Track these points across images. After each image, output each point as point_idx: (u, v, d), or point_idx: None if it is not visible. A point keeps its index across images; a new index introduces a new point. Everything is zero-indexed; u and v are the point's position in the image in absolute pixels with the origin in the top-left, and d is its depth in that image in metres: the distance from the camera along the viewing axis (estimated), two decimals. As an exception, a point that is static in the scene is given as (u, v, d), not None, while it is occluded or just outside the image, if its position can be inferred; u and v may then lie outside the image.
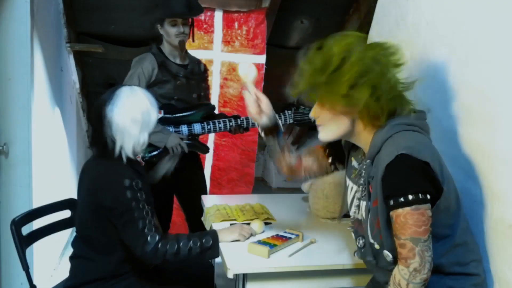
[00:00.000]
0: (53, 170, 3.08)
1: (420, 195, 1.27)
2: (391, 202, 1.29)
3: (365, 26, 3.84)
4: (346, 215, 2.21)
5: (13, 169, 2.36)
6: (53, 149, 3.13)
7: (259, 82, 4.16)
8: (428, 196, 1.28)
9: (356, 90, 1.30)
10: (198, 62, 2.85)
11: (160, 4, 2.64)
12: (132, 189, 1.72)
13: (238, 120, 2.75)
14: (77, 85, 4.12)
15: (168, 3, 2.60)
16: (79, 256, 1.86)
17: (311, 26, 4.12)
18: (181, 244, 1.75)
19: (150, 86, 2.64)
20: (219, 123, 2.74)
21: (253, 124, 2.75)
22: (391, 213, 1.31)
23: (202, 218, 2.36)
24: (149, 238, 1.71)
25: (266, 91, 4.14)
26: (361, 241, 1.49)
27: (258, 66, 4.11)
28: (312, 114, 1.45)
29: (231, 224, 2.00)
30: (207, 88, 2.95)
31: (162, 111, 2.66)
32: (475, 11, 1.56)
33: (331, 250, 1.83)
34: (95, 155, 1.85)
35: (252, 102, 1.61)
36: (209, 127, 2.73)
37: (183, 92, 2.73)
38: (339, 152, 1.64)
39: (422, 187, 1.28)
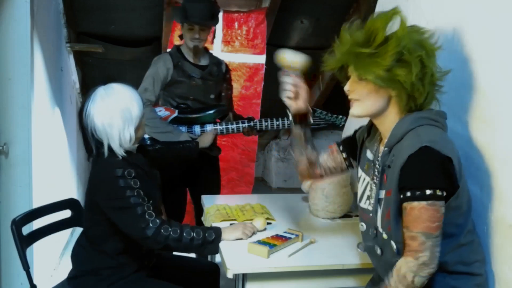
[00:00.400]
0: (53, 170, 3.07)
1: (438, 191, 1.27)
2: (408, 194, 1.29)
3: (365, 26, 3.83)
4: (346, 215, 2.23)
5: (13, 169, 2.36)
6: (53, 149, 3.13)
7: (259, 82, 4.16)
8: (444, 193, 1.29)
9: (400, 65, 1.30)
10: (218, 63, 2.85)
11: (182, 8, 2.66)
12: (124, 178, 1.72)
13: (252, 122, 2.74)
14: (77, 85, 4.12)
15: (188, 9, 2.62)
16: (77, 245, 1.90)
17: (311, 26, 4.11)
18: (184, 232, 1.74)
19: (167, 86, 2.69)
20: (232, 124, 2.72)
21: (266, 127, 2.75)
22: (405, 204, 1.31)
23: (202, 218, 2.36)
24: (150, 222, 1.70)
25: (266, 91, 4.17)
26: (373, 231, 1.49)
27: (258, 66, 4.11)
28: (347, 88, 1.44)
29: (230, 224, 2.00)
30: (229, 89, 2.94)
31: (176, 111, 2.68)
32: (475, 11, 1.56)
33: (331, 250, 1.83)
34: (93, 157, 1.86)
35: (291, 86, 1.59)
36: (221, 128, 2.72)
37: (199, 93, 2.74)
38: (353, 148, 1.63)
39: (441, 183, 1.28)
